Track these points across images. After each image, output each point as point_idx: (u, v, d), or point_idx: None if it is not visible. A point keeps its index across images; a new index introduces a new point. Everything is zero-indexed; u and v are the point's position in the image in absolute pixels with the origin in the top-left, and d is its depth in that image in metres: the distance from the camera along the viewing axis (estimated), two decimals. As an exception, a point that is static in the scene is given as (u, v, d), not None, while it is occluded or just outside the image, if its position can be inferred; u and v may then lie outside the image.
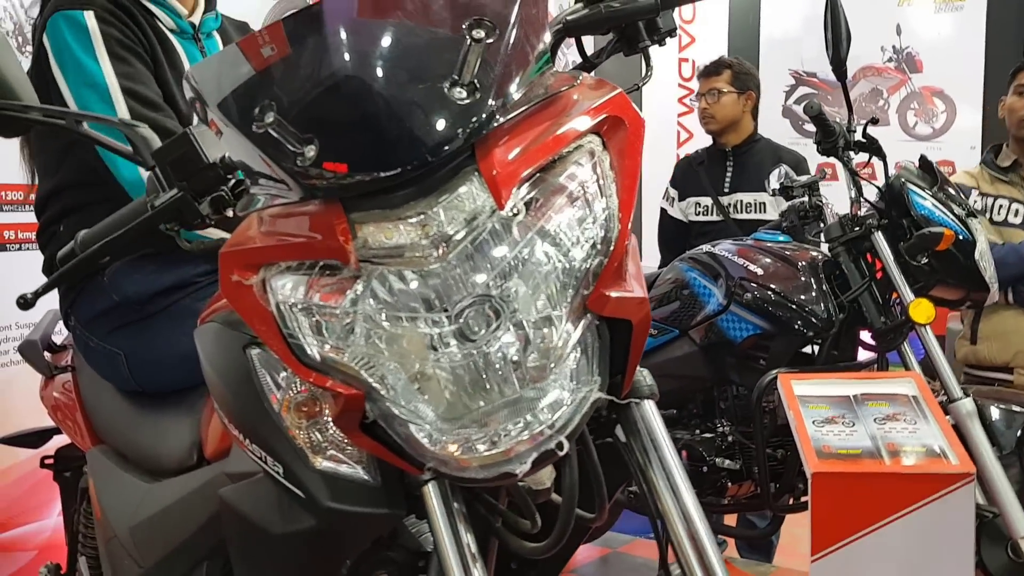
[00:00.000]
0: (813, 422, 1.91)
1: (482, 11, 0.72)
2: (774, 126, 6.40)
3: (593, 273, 0.73)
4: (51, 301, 2.01)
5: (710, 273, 2.52)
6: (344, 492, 0.84)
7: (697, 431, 2.51)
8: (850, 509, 1.76)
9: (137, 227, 0.94)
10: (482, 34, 0.70)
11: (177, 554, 1.19)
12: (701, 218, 3.59)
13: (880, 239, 2.25)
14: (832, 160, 2.44)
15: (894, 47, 6.06)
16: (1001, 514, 2.04)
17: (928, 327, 2.17)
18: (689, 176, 3.66)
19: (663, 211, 3.76)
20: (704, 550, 0.80)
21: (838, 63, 2.12)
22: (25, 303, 0.99)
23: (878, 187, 2.36)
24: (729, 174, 3.55)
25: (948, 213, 2.27)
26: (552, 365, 0.71)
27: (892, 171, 2.38)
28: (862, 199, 2.35)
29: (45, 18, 1.47)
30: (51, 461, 1.93)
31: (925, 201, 2.29)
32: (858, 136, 2.35)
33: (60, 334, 1.90)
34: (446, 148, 0.68)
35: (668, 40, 1.04)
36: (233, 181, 0.94)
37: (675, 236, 3.69)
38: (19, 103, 0.97)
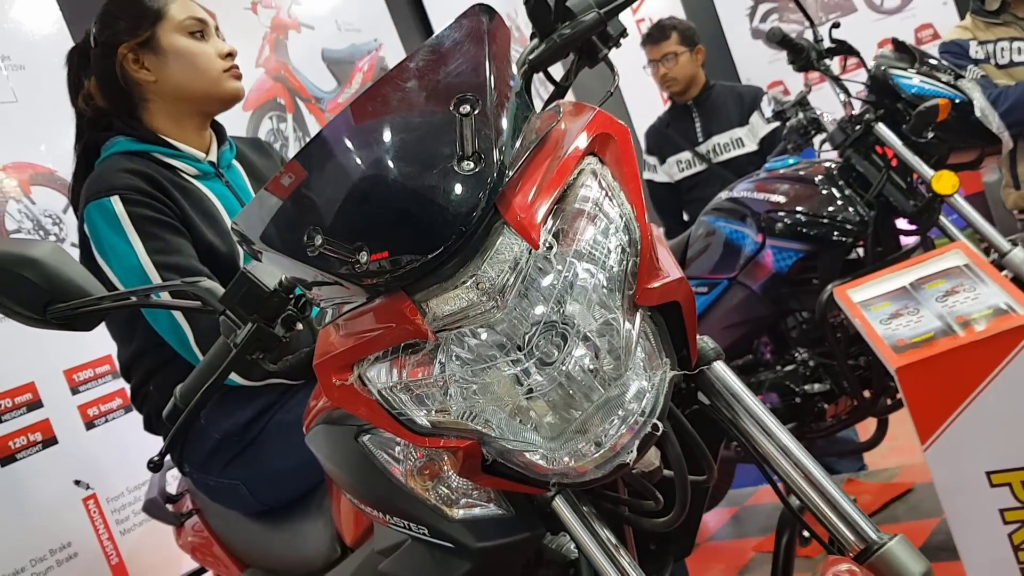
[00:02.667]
0: (880, 322, 1.97)
1: (461, 88, 0.81)
2: (748, 50, 6.44)
3: (631, 273, 0.81)
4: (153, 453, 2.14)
5: (737, 216, 2.58)
6: (486, 530, 0.93)
7: (778, 367, 2.56)
8: (942, 390, 1.80)
9: (228, 366, 1.04)
10: (468, 108, 0.79)
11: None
12: (686, 172, 3.80)
13: (883, 129, 2.31)
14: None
15: (836, -66, 6.09)
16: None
17: (957, 194, 2.22)
18: (661, 140, 3.90)
19: (648, 182, 3.93)
20: (812, 476, 0.87)
21: (787, -17, 2.19)
22: (155, 466, 1.09)
23: (863, 83, 2.41)
24: (698, 125, 3.78)
25: (937, 83, 2.32)
26: (624, 361, 0.80)
27: (870, 63, 2.43)
28: (852, 98, 2.41)
29: (80, 210, 1.58)
30: (203, 602, 2.05)
31: (911, 80, 2.34)
32: (827, 43, 2.41)
33: (170, 483, 2.02)
34: (474, 215, 0.76)
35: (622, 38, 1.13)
36: (293, 298, 1.04)
37: (667, 199, 3.93)
38: (92, 297, 1.07)
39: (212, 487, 1.64)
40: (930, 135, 2.28)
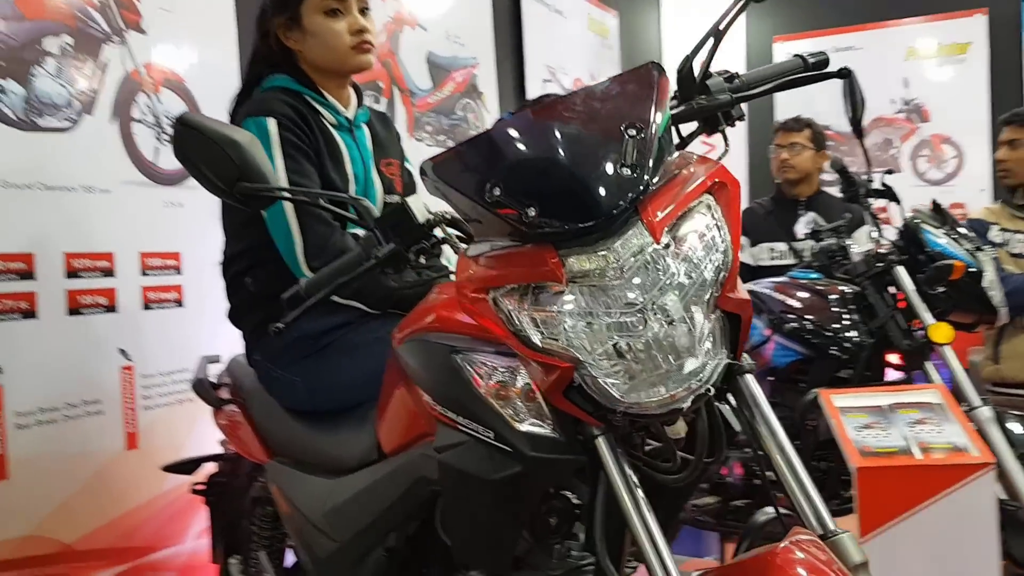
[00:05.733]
0: (853, 427, 2.25)
1: (632, 116, 1.09)
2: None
3: (719, 283, 1.08)
4: (199, 350, 2.41)
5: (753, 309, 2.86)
6: (540, 444, 1.16)
7: (747, 449, 2.82)
8: (890, 498, 2.08)
9: (361, 274, 1.30)
10: (634, 132, 1.07)
11: (370, 528, 1.53)
12: (774, 262, 3.89)
13: (901, 272, 2.59)
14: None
15: (903, 99, 6.40)
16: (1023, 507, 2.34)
17: (948, 347, 2.51)
18: (759, 224, 4.01)
19: None
20: (799, 475, 1.14)
21: (856, 124, 2.49)
22: (279, 332, 1.33)
23: (897, 228, 2.71)
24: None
25: (959, 247, 2.62)
26: (696, 345, 1.06)
27: (908, 214, 2.73)
28: (882, 239, 2.71)
29: (239, 120, 1.86)
30: (203, 487, 2.29)
31: (939, 238, 2.63)
32: (876, 184, 2.72)
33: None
34: (622, 204, 1.04)
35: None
36: (431, 237, 1.31)
37: (745, 279, 4.01)
38: (272, 186, 1.33)
39: (274, 378, 1.88)
40: (940, 289, 2.57)
